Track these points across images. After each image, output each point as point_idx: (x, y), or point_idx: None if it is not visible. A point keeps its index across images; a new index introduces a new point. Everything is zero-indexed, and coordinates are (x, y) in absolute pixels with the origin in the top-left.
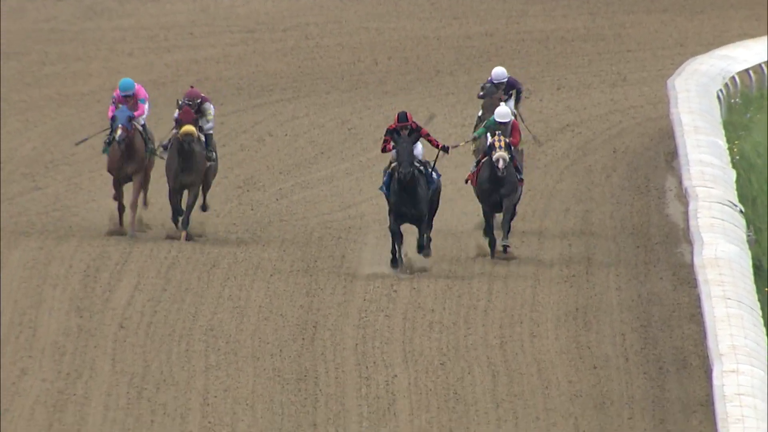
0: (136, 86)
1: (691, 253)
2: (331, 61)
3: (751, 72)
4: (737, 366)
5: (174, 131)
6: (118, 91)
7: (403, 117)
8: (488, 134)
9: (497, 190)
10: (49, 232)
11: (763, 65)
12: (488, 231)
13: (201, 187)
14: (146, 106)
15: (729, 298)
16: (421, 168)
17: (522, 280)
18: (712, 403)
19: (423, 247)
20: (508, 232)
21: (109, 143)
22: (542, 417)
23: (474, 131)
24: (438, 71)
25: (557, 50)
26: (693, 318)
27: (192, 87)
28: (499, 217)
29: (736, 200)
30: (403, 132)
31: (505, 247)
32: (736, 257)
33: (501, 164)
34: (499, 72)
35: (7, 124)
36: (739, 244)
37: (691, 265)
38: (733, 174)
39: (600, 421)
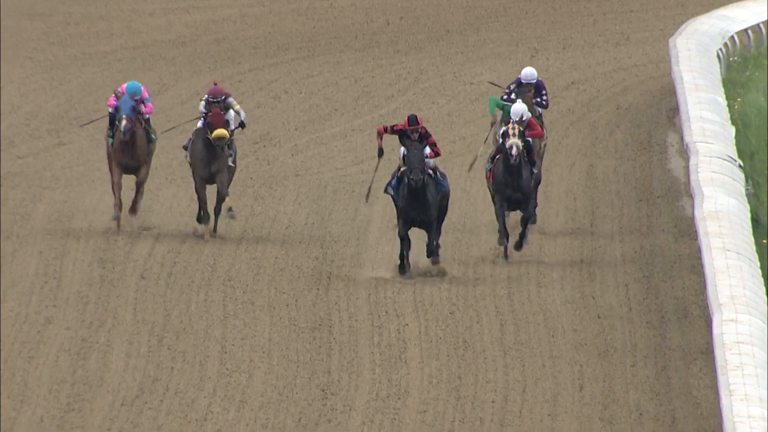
0: (143, 89)
1: (692, 206)
2: (344, 21)
3: (749, 31)
4: (736, 315)
5: (199, 126)
6: (123, 89)
7: (413, 120)
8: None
9: (513, 186)
10: (72, 186)
11: (761, 25)
12: (502, 231)
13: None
14: (151, 104)
15: (728, 250)
16: (431, 173)
17: (528, 233)
18: (712, 351)
19: (432, 253)
20: (525, 237)
21: (112, 135)
22: (548, 364)
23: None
24: (448, 31)
25: (563, 10)
26: (693, 269)
27: (215, 84)
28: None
29: (735, 155)
30: (413, 135)
31: (521, 242)
32: (736, 210)
33: (514, 151)
34: (529, 72)
35: (33, 82)
36: (738, 198)
37: (692, 218)
38: (733, 130)
39: (604, 369)
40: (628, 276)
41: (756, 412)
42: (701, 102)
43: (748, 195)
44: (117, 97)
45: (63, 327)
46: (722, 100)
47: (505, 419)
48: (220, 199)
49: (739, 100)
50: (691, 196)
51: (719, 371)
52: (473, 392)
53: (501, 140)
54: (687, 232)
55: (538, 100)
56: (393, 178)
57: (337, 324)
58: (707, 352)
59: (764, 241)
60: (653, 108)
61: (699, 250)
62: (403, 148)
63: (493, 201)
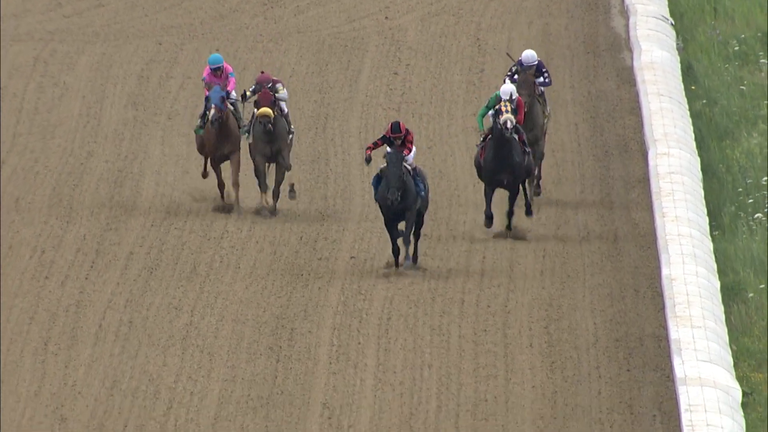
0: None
1: (631, 58)
2: None
3: None
4: (669, 149)
5: (254, 112)
6: (207, 69)
7: (396, 128)
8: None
9: (503, 170)
10: (110, 40)
11: None
12: (488, 213)
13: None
14: (234, 79)
15: (662, 95)
16: (409, 170)
17: (492, 75)
18: (648, 180)
19: (409, 245)
20: (512, 215)
21: (203, 125)
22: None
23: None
24: None
25: None
26: (633, 111)
27: (262, 72)
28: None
29: (668, 15)
30: (396, 141)
31: (509, 225)
32: (668, 61)
33: (509, 124)
34: (529, 55)
35: None
36: (670, 51)
37: (631, 68)
38: None
39: (557, 194)
40: (577, 116)
41: (684, 231)
42: None
43: (678, 49)
44: (208, 87)
45: (102, 160)
46: None
47: (474, 236)
48: (280, 180)
49: None
50: (630, 50)
51: (654, 197)
52: (447, 214)
53: (493, 119)
54: (627, 79)
55: (542, 80)
56: (374, 179)
57: (333, 157)
58: (644, 180)
59: (692, 87)
60: None
61: (637, 95)
62: (388, 148)
63: (482, 180)
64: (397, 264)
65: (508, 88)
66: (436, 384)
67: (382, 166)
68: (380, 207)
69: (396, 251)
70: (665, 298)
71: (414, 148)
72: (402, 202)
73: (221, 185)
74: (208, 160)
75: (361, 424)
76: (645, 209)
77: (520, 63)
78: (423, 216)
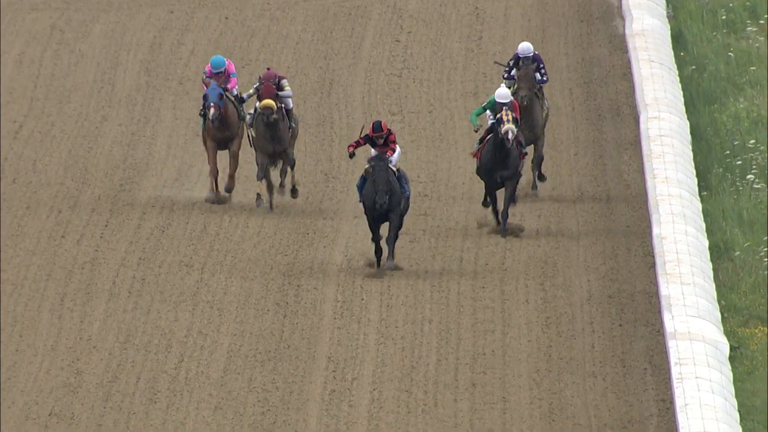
0: (226, 62)
1: (623, 25)
2: None
3: None
4: (659, 113)
5: (257, 106)
6: (209, 67)
7: (378, 127)
8: (491, 112)
9: (500, 169)
10: (124, 9)
11: None
12: (490, 202)
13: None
14: (236, 79)
15: (653, 61)
16: (395, 171)
17: (490, 43)
18: (639, 143)
19: (391, 257)
20: (506, 218)
21: (204, 117)
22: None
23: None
24: None
25: None
26: (625, 76)
27: (268, 69)
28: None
29: None
30: (378, 141)
31: (504, 230)
32: (659, 29)
33: (510, 135)
34: (526, 47)
35: None
36: (660, 19)
37: (623, 35)
38: None
39: (552, 157)
40: (572, 81)
41: (674, 192)
42: None
43: (668, 17)
44: (205, 84)
45: (116, 123)
46: None
47: (472, 197)
48: (285, 173)
49: None
50: (622, 18)
51: (645, 159)
52: (447, 176)
53: (495, 125)
54: (619, 46)
55: (539, 77)
56: (360, 179)
57: (338, 121)
58: (635, 143)
59: (682, 54)
60: None
61: (629, 61)
62: (372, 150)
63: (481, 177)
64: (378, 264)
65: (504, 92)
66: (436, 338)
67: (366, 166)
68: (365, 208)
69: (378, 252)
70: (656, 256)
71: (398, 149)
72: (388, 204)
73: (215, 173)
74: (210, 151)
75: (365, 377)
76: (636, 171)
77: (516, 57)
78: (403, 218)
